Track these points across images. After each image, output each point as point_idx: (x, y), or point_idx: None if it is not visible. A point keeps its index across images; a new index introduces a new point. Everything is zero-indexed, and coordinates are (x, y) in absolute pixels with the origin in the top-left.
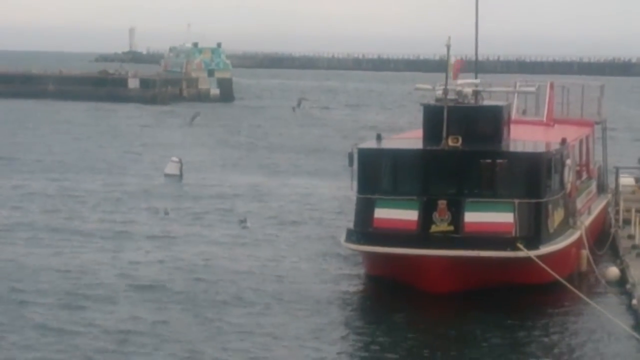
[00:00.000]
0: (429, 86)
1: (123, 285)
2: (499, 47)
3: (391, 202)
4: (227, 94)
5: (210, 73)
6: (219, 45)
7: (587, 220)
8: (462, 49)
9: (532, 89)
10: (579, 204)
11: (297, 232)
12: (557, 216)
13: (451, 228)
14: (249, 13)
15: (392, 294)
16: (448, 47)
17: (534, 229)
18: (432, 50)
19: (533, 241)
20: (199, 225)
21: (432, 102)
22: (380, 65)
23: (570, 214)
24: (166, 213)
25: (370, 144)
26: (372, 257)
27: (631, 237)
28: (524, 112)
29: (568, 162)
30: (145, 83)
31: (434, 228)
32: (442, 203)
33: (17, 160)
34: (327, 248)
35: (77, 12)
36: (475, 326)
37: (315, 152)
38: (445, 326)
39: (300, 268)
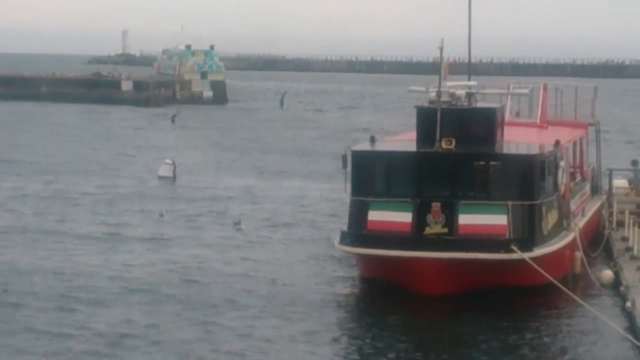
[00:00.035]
0: (422, 88)
1: (116, 288)
2: (492, 49)
3: (385, 204)
4: (220, 96)
5: (203, 75)
6: (211, 47)
7: (581, 222)
8: (455, 51)
9: (526, 90)
10: (573, 205)
11: (290, 235)
12: (551, 218)
13: (445, 230)
14: (249, 14)
15: (386, 296)
16: (441, 49)
17: (527, 231)
18: (432, 52)
19: (527, 243)
20: (193, 227)
21: (426, 104)
22: (373, 67)
23: (564, 216)
24: (161, 215)
25: (364, 146)
26: (366, 260)
27: (625, 239)
28: (518, 114)
29: (562, 163)
30: (138, 85)
31: (428, 230)
32: (436, 205)
33: (10, 162)
34: (321, 250)
35: (77, 14)
36: (469, 328)
37: (309, 155)
38: (439, 328)
39: (294, 270)
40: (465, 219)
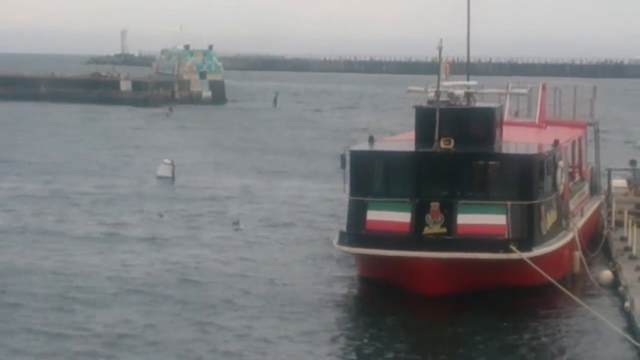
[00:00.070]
0: (421, 88)
1: (114, 288)
2: (491, 49)
3: (384, 204)
4: (219, 96)
5: (202, 75)
6: (210, 47)
7: (580, 222)
8: (454, 51)
9: (524, 90)
10: (572, 205)
11: (289, 235)
12: (549, 218)
13: (444, 230)
14: (249, 14)
15: (385, 296)
16: (440, 49)
17: (526, 231)
18: (431, 52)
19: (526, 243)
20: (191, 227)
21: (425, 104)
22: (372, 67)
23: (563, 216)
24: (160, 215)
25: (363, 146)
26: (364, 260)
27: (624, 239)
28: (516, 114)
29: (560, 163)
30: (137, 85)
31: (426, 230)
32: (434, 205)
33: (9, 162)
34: (320, 250)
35: (77, 14)
36: (468, 328)
37: (308, 154)
38: (438, 328)
39: (292, 270)
40: (464, 219)
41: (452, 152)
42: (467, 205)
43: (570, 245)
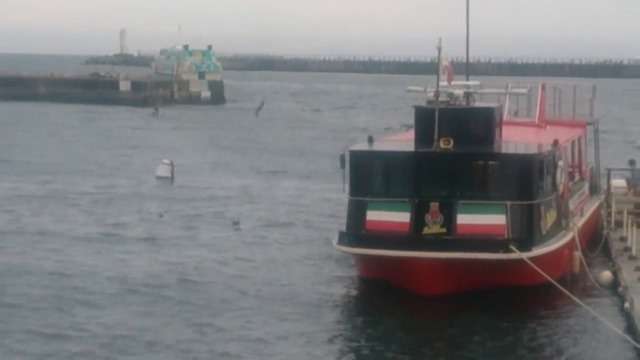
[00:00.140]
0: (420, 88)
1: (113, 289)
2: (490, 49)
3: (383, 204)
4: (218, 96)
5: (201, 75)
6: (209, 47)
7: (579, 222)
8: (454, 51)
9: (524, 90)
10: (572, 205)
11: (288, 235)
12: (549, 218)
13: (443, 230)
14: (249, 14)
15: (385, 297)
16: (439, 49)
17: (526, 231)
18: (430, 52)
19: (525, 243)
20: (190, 227)
21: (424, 104)
22: (371, 67)
23: (563, 216)
24: (160, 216)
25: (362, 146)
26: (364, 260)
27: (623, 239)
28: (516, 114)
29: (560, 163)
30: (136, 85)
31: (426, 230)
32: (434, 205)
33: (8, 162)
34: (319, 250)
35: (76, 14)
36: (467, 328)
37: (307, 154)
38: (438, 328)
39: (292, 271)
40: (464, 219)
41: (452, 152)
42: (466, 205)
43: (570, 245)
